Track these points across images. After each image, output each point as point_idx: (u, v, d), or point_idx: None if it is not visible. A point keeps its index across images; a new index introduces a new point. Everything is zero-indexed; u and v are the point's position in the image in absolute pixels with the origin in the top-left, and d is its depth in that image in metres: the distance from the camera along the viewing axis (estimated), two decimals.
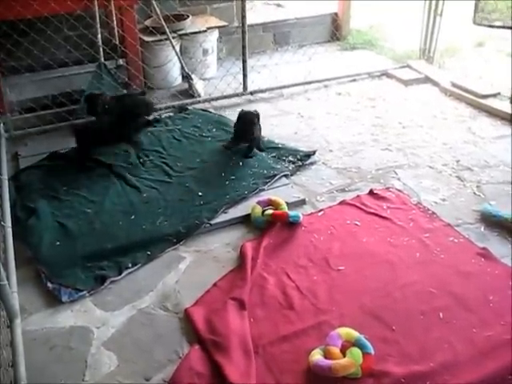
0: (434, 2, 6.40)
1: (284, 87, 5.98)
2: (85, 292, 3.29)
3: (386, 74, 6.46)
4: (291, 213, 3.81)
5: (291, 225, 3.79)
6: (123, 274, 3.43)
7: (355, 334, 2.90)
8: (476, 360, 2.86)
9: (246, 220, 3.90)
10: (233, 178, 4.28)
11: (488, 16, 6.30)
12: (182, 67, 5.96)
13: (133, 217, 3.88)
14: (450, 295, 3.25)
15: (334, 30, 7.51)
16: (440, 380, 2.74)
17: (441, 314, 3.13)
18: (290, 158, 4.55)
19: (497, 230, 3.82)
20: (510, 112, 5.27)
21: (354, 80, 6.32)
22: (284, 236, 3.73)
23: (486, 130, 5.13)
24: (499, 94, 5.73)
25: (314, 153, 4.67)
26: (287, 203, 3.95)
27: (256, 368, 2.77)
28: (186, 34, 6.09)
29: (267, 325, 3.05)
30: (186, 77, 5.93)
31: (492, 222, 3.88)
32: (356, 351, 2.79)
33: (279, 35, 7.32)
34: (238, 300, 3.15)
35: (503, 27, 6.15)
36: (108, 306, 3.21)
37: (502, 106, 5.46)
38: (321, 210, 4.00)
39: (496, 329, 3.04)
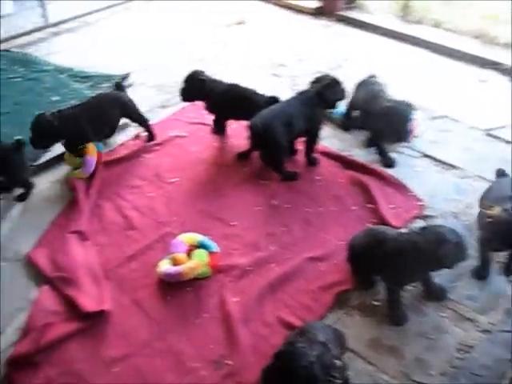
0: None
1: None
2: None
3: None
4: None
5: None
6: None
7: (198, 236, 3.03)
8: (312, 235, 3.15)
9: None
10: None
11: None
12: None
13: None
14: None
15: None
16: (282, 259, 2.99)
17: (274, 202, 3.37)
18: (105, 85, 4.43)
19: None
20: None
21: None
22: (112, 164, 3.68)
23: None
24: None
25: (128, 75, 4.58)
26: None
27: (109, 292, 2.82)
28: None
29: (112, 249, 3.08)
30: None
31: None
32: (201, 252, 2.93)
33: None
34: (77, 232, 3.13)
35: None
36: None
37: None
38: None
39: (326, 204, 3.35)
